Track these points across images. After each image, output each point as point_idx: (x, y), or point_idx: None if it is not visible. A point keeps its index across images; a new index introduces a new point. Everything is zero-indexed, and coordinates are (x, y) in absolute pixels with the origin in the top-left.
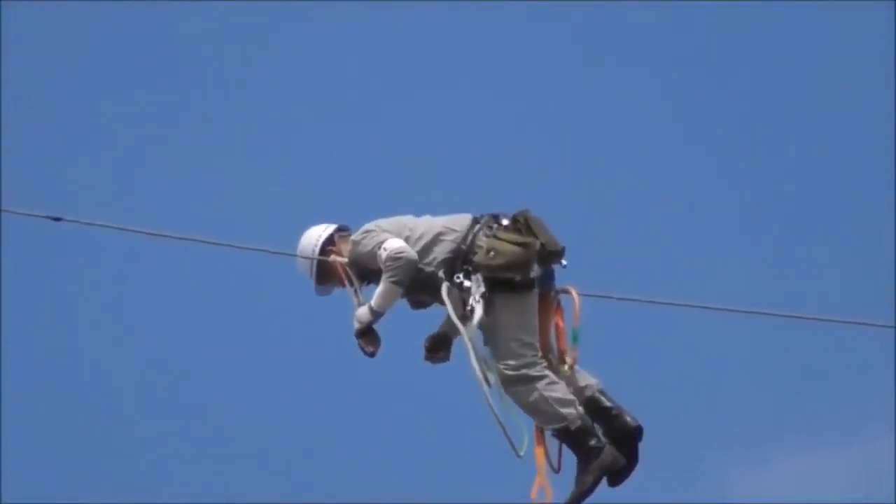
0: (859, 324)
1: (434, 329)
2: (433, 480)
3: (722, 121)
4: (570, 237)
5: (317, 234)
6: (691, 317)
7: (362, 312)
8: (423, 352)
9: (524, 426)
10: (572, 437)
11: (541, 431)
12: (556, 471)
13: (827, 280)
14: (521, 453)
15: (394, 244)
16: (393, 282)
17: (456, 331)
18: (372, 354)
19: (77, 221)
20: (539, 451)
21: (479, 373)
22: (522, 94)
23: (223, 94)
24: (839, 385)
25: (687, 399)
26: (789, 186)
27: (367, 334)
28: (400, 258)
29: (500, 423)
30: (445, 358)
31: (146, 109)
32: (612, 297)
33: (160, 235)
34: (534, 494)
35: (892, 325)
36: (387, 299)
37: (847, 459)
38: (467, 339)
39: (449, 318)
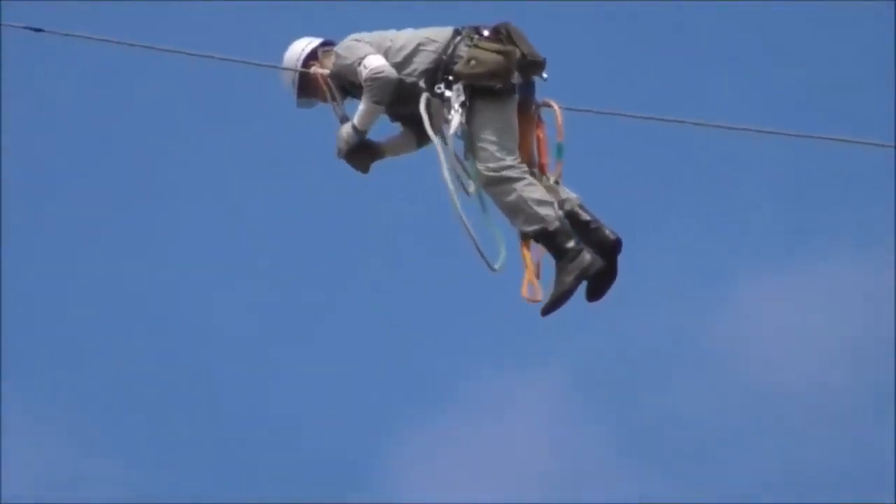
0: (862, 143)
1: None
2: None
3: None
4: (552, 53)
5: (301, 47)
6: (696, 134)
7: (346, 132)
8: (342, 147)
9: (501, 239)
10: (550, 238)
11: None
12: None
13: (828, 99)
14: (496, 267)
15: (374, 62)
16: (374, 101)
17: (397, 150)
18: (365, 171)
19: (57, 32)
20: (525, 252)
21: (450, 184)
22: None
23: None
24: (849, 201)
25: (693, 211)
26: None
27: (357, 153)
28: (379, 77)
29: (472, 235)
30: (363, 168)
31: None
32: (592, 112)
33: (141, 46)
34: (524, 291)
35: (893, 144)
36: (368, 118)
37: (852, 271)
38: (440, 149)
39: (402, 133)
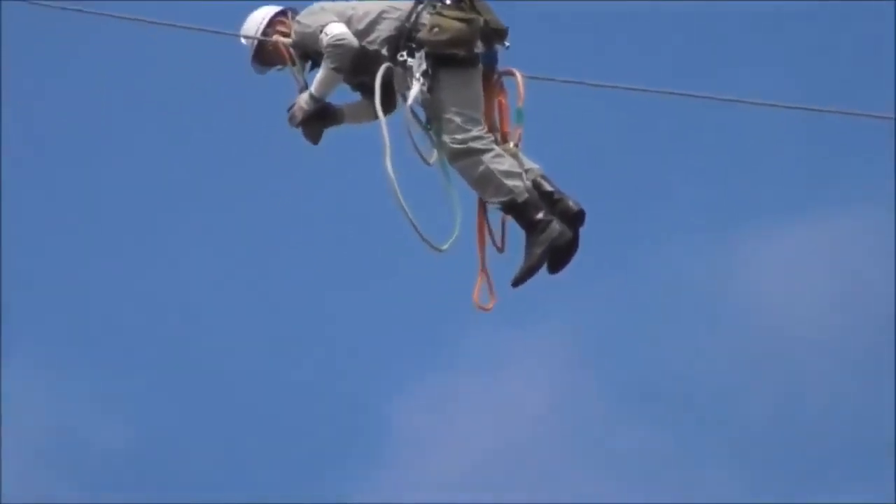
0: (862, 115)
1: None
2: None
3: None
4: (513, 22)
5: (263, 13)
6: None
7: (302, 100)
8: (297, 114)
9: (458, 216)
10: (519, 209)
11: (483, 217)
12: (500, 250)
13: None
14: (444, 247)
15: (335, 29)
16: (333, 68)
17: (357, 117)
18: (316, 141)
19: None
20: (480, 240)
21: (391, 173)
22: None
23: None
24: (851, 163)
25: (697, 171)
26: None
27: (311, 122)
28: (340, 44)
29: (410, 217)
30: (314, 137)
31: None
32: (556, 80)
33: (100, 14)
34: (475, 297)
35: (893, 116)
36: (327, 85)
37: (849, 231)
38: (385, 131)
39: (360, 101)
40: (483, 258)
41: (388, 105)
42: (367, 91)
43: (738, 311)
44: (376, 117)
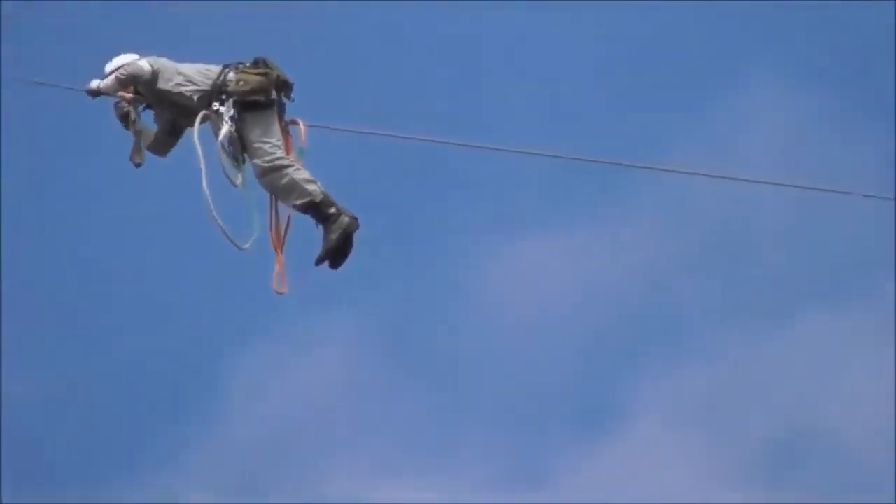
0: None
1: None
2: None
3: None
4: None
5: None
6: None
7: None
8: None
9: (258, 225)
10: (316, 207)
11: (275, 221)
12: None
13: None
14: (246, 246)
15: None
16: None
17: (145, 140)
18: (138, 165)
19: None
20: (276, 238)
21: (206, 190)
22: None
23: None
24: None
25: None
26: None
27: (137, 149)
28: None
29: (219, 223)
30: (137, 159)
31: None
32: (329, 127)
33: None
34: (274, 284)
35: (892, 197)
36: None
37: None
38: (202, 159)
39: (156, 133)
40: (279, 252)
41: (171, 144)
42: (175, 129)
43: (495, 300)
44: (152, 148)
